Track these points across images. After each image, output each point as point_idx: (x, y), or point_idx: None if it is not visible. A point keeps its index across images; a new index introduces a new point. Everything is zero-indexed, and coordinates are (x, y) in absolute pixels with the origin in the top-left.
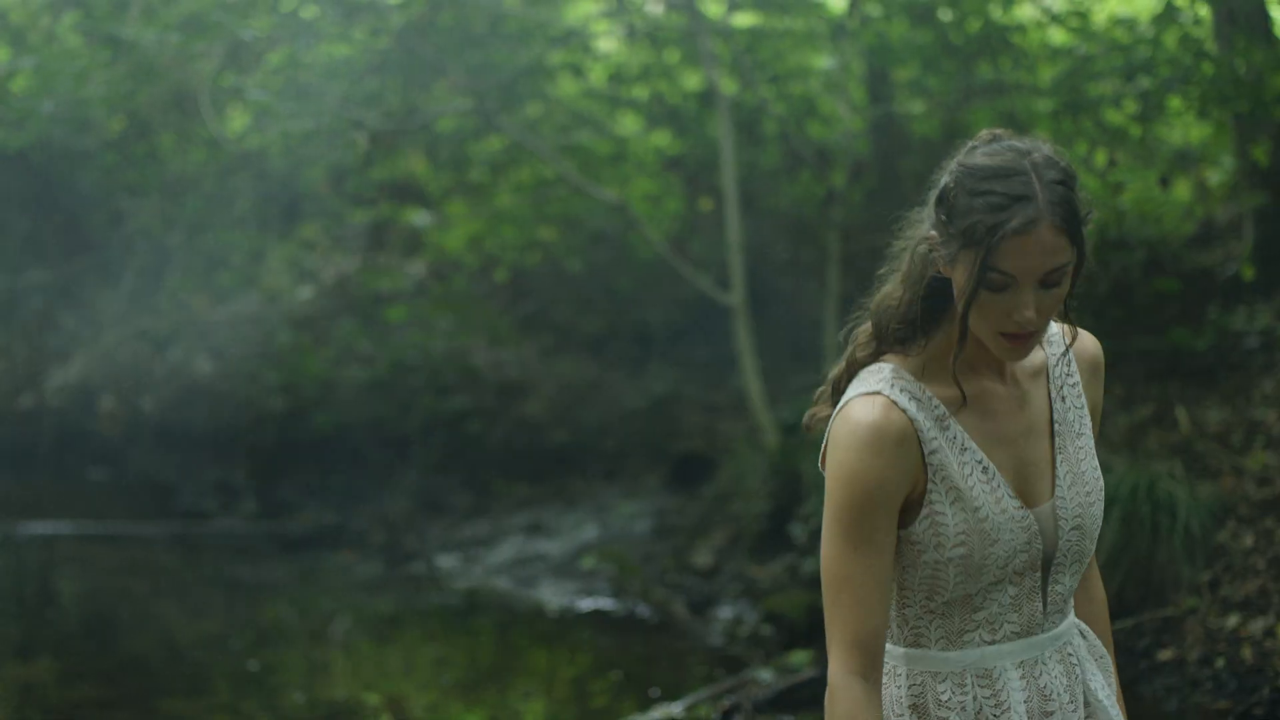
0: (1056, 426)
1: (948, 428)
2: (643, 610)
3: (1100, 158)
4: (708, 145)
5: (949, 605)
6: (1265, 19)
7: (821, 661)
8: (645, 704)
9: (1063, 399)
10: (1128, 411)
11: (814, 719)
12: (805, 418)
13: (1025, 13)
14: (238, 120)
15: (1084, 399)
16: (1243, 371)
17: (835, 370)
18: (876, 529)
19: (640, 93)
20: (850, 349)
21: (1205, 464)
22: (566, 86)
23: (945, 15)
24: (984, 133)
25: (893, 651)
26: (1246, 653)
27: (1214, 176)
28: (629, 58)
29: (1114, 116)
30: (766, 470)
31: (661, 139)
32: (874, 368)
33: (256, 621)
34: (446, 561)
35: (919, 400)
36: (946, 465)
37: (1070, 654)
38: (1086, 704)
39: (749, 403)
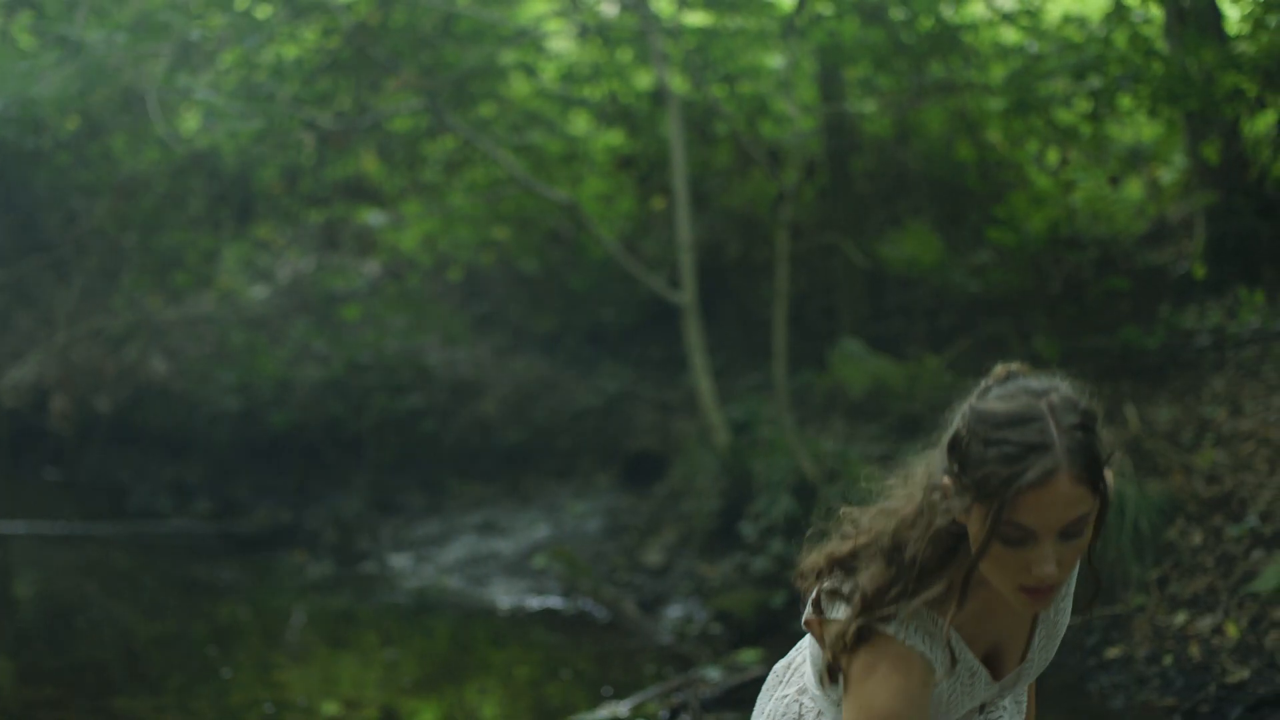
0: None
1: (952, 653)
2: (593, 609)
3: (1052, 156)
4: (660, 144)
5: None
6: (1217, 16)
7: (769, 659)
8: (596, 702)
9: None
10: None
11: None
12: (806, 615)
13: (976, 11)
14: (191, 120)
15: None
16: (1193, 370)
17: (836, 582)
18: None
19: (593, 92)
20: (854, 571)
21: (1155, 462)
22: (519, 86)
23: (897, 14)
24: (999, 368)
25: None
26: (1194, 650)
27: (1166, 175)
28: (581, 57)
29: (1065, 116)
30: (717, 469)
31: (614, 138)
32: (909, 609)
33: (210, 621)
34: (399, 561)
35: (934, 636)
36: (939, 685)
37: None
38: None
39: (699, 401)
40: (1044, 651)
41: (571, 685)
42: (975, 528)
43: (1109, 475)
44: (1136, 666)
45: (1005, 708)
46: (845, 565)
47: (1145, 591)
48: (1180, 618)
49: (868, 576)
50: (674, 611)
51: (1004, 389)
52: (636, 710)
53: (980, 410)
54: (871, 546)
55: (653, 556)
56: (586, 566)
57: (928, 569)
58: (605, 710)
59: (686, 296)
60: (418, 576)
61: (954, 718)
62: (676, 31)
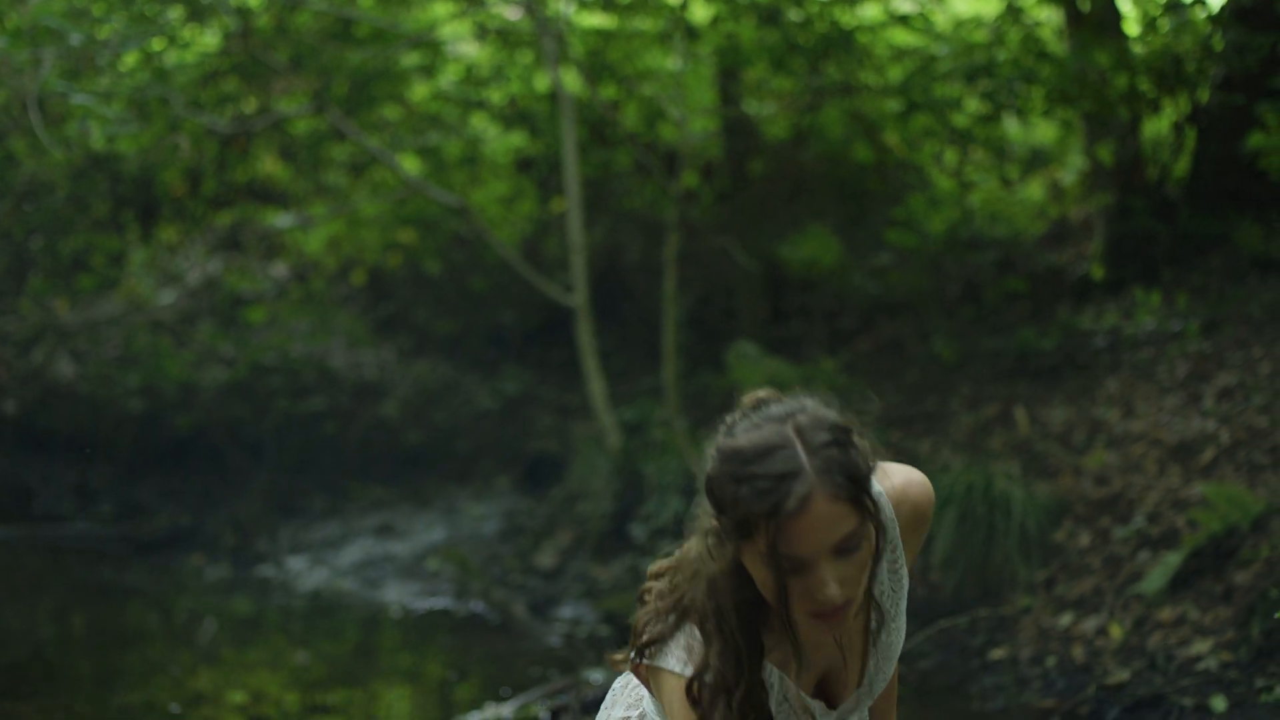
0: (874, 625)
1: (775, 690)
2: (484, 611)
3: (951, 157)
4: (560, 146)
5: None
6: (1117, 18)
7: None
8: (481, 703)
9: (883, 593)
10: (973, 411)
11: None
12: (634, 659)
13: (871, 14)
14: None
15: (902, 560)
16: (1089, 371)
17: (658, 625)
18: None
19: (495, 94)
20: (676, 606)
21: (1044, 463)
22: (419, 89)
23: (794, 15)
24: (747, 398)
25: None
26: (1077, 651)
27: (1067, 177)
28: (482, 59)
29: (960, 119)
30: (609, 471)
31: (516, 140)
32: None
33: (114, 624)
34: (296, 563)
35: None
36: None
37: None
38: None
39: (592, 404)
40: (880, 676)
41: (454, 687)
42: (753, 565)
43: (878, 482)
44: (1020, 668)
45: None
46: (653, 620)
47: (1032, 593)
48: (1066, 619)
49: (660, 628)
50: (565, 613)
51: (750, 420)
52: (519, 712)
53: (727, 448)
54: (665, 598)
55: (546, 559)
56: (478, 569)
57: (724, 602)
58: (489, 711)
59: (579, 299)
60: (313, 579)
61: None
62: (566, 34)
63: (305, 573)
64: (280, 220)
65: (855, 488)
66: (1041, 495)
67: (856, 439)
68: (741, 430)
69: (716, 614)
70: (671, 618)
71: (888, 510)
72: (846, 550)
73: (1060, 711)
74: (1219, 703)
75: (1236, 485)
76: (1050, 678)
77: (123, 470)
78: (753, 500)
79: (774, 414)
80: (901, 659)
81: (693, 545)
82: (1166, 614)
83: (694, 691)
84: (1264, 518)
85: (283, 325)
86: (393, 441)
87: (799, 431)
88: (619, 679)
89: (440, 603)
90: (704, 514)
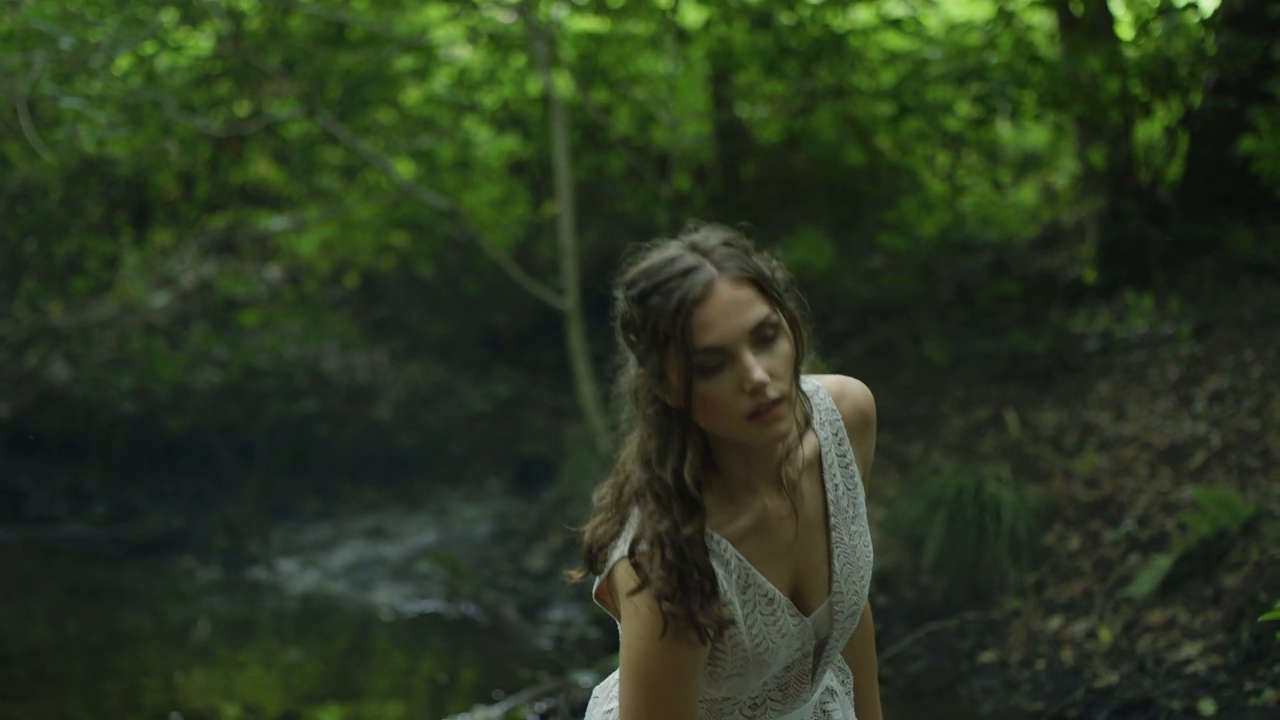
0: (832, 520)
1: (734, 569)
2: (474, 613)
3: (943, 160)
4: (552, 150)
5: (710, 700)
6: (1110, 21)
7: None
8: (470, 706)
9: (836, 486)
10: (965, 414)
11: None
12: (595, 588)
13: (863, 17)
14: (83, 127)
15: (855, 465)
16: (1080, 374)
17: (603, 526)
18: (686, 696)
19: (486, 98)
20: (618, 505)
21: (1035, 467)
22: (412, 92)
23: (786, 19)
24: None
25: None
26: (1067, 654)
27: (1060, 180)
28: (474, 63)
29: (952, 122)
30: (600, 474)
31: (509, 144)
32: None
33: (107, 626)
34: (287, 566)
35: (710, 551)
36: (734, 612)
37: (827, 702)
38: None
39: (584, 407)
40: (850, 583)
41: (445, 689)
42: (675, 382)
43: (779, 280)
44: (1009, 671)
45: (835, 692)
46: (609, 524)
47: (1022, 596)
48: (1055, 622)
49: (604, 529)
50: (555, 616)
51: (641, 254)
52: (508, 715)
53: (627, 279)
54: (607, 503)
55: (537, 561)
56: (469, 571)
57: (676, 470)
58: (479, 714)
59: (569, 302)
60: (304, 581)
61: (774, 666)
62: (558, 38)
63: (296, 575)
64: (273, 223)
65: (756, 275)
66: (1032, 498)
67: (751, 250)
68: (638, 262)
69: (650, 478)
70: (614, 516)
71: (828, 401)
72: (764, 339)
73: (1049, 714)
74: (1208, 706)
75: (1227, 488)
76: (1039, 681)
77: (115, 472)
78: (661, 304)
79: (666, 241)
80: (892, 661)
81: (626, 449)
82: (1156, 617)
83: (634, 558)
84: (1254, 521)
85: (276, 328)
86: (385, 444)
87: (693, 244)
88: (600, 685)
89: (431, 605)
90: (625, 378)
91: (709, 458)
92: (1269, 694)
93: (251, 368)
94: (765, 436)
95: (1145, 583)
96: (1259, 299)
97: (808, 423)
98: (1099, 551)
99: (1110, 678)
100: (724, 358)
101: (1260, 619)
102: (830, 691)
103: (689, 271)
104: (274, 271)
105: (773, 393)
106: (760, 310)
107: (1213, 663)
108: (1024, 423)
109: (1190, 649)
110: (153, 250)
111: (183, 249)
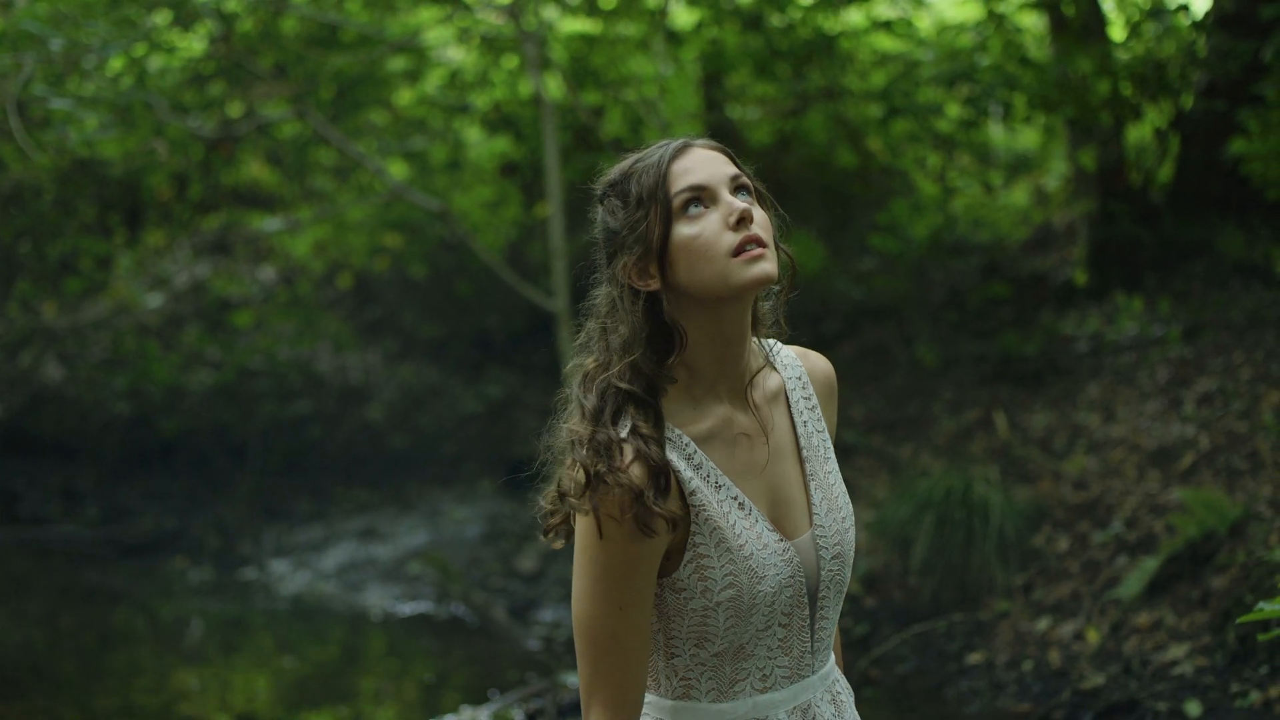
0: (804, 453)
1: (700, 465)
2: (464, 614)
3: (934, 161)
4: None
5: (719, 656)
6: (1101, 23)
7: None
8: (457, 707)
9: (805, 424)
10: (955, 416)
11: None
12: (561, 489)
13: (854, 19)
14: (75, 129)
15: (824, 423)
16: (1071, 376)
17: (576, 429)
18: (642, 586)
19: (478, 99)
20: (584, 402)
21: (1024, 468)
22: (405, 94)
23: (777, 21)
24: None
25: (659, 704)
26: (1054, 656)
27: (1052, 182)
28: (466, 64)
29: (943, 124)
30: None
31: (501, 145)
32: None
33: (100, 626)
34: (279, 566)
35: (670, 441)
36: (707, 504)
37: (839, 693)
38: None
39: None
40: (830, 519)
41: (435, 690)
42: (656, 239)
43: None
44: (996, 672)
45: (830, 617)
46: (567, 471)
47: (1010, 597)
48: (1043, 623)
49: (575, 471)
50: (545, 616)
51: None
52: (496, 716)
53: (605, 181)
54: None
55: (527, 562)
56: (459, 572)
57: (641, 370)
58: (465, 714)
59: (560, 303)
60: (296, 582)
61: (766, 586)
62: (549, 39)
63: (288, 576)
64: (267, 224)
65: (729, 148)
66: (1020, 500)
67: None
68: (613, 168)
69: (617, 367)
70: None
71: (790, 354)
72: (742, 189)
73: (1035, 716)
74: (1194, 708)
75: (1215, 490)
76: (1026, 682)
77: (108, 473)
78: (643, 175)
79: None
80: (879, 662)
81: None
82: (1143, 619)
83: (593, 444)
84: (1241, 523)
85: (269, 329)
86: (377, 445)
87: (666, 142)
88: None
89: (421, 606)
90: (604, 293)
91: (681, 351)
92: (1255, 696)
93: (245, 369)
94: (750, 275)
95: (1133, 584)
96: (1248, 301)
97: (769, 363)
98: (1087, 553)
99: (1097, 679)
100: (706, 198)
101: (1238, 620)
102: (837, 693)
103: (664, 145)
104: (267, 273)
105: (757, 229)
106: (734, 169)
107: (1199, 664)
108: (1013, 424)
109: (1177, 650)
110: (146, 251)
111: (176, 250)
